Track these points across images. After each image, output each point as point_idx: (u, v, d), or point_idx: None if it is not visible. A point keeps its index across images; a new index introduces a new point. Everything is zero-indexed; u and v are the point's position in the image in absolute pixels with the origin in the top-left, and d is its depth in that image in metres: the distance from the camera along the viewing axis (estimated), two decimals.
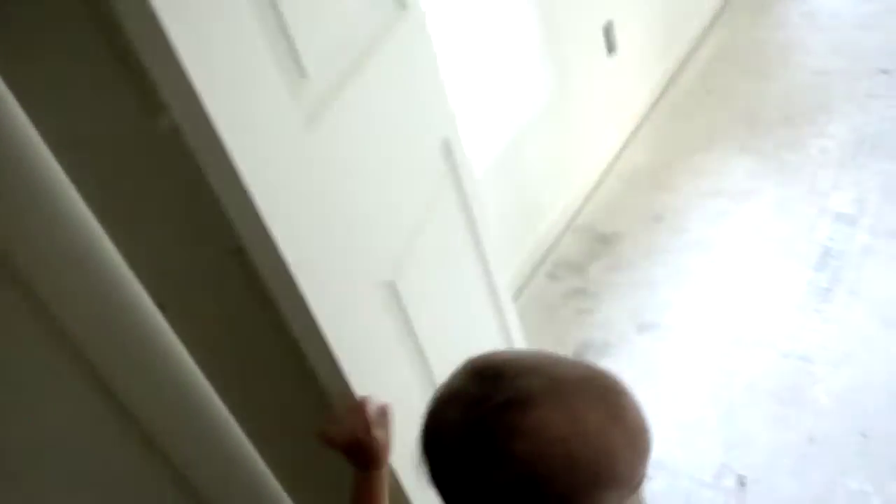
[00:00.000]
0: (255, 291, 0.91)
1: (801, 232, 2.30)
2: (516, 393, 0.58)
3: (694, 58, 3.33)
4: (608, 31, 2.65)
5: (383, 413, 0.93)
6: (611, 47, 2.69)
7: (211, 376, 0.84)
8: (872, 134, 2.61)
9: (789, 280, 2.14)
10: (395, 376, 1.10)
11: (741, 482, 1.66)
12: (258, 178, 0.77)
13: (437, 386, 0.65)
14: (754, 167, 2.63)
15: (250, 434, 0.92)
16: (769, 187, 2.52)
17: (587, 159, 2.70)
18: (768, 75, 3.09)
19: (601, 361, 2.04)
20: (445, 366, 1.19)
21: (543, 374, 0.60)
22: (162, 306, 0.77)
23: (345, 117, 0.94)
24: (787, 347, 1.94)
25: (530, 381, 0.59)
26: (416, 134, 1.18)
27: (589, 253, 2.46)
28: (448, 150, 1.30)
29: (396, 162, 1.10)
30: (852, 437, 1.69)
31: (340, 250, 0.94)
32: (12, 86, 0.62)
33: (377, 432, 0.90)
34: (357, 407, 0.91)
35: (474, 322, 1.43)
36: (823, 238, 2.25)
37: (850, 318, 1.98)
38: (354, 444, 0.89)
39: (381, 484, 0.91)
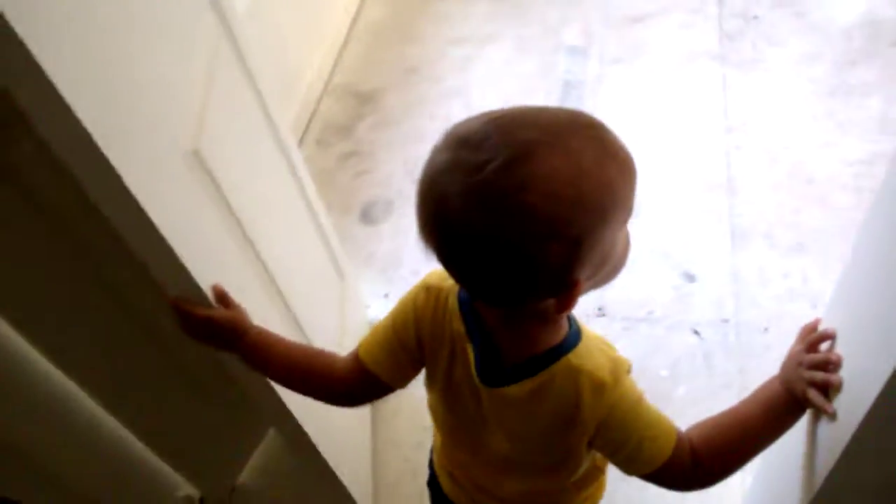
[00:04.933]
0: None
1: (543, 68, 2.46)
2: (515, 149, 0.58)
3: None
4: None
5: (221, 295, 0.89)
6: None
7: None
8: None
9: None
10: (219, 246, 1.00)
11: None
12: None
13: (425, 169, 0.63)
14: (490, 10, 2.72)
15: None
16: (507, 29, 2.63)
17: (331, 17, 2.57)
18: None
19: (387, 220, 2.07)
20: (259, 230, 1.14)
21: (531, 125, 0.60)
22: None
23: None
24: None
25: (523, 135, 0.59)
26: None
27: (353, 114, 2.40)
28: (217, 4, 1.15)
29: (166, 23, 0.95)
30: None
31: (143, 118, 0.80)
32: None
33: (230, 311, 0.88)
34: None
35: (274, 179, 1.36)
36: (562, 72, 2.43)
37: None
38: (210, 322, 0.85)
39: (265, 336, 0.88)
